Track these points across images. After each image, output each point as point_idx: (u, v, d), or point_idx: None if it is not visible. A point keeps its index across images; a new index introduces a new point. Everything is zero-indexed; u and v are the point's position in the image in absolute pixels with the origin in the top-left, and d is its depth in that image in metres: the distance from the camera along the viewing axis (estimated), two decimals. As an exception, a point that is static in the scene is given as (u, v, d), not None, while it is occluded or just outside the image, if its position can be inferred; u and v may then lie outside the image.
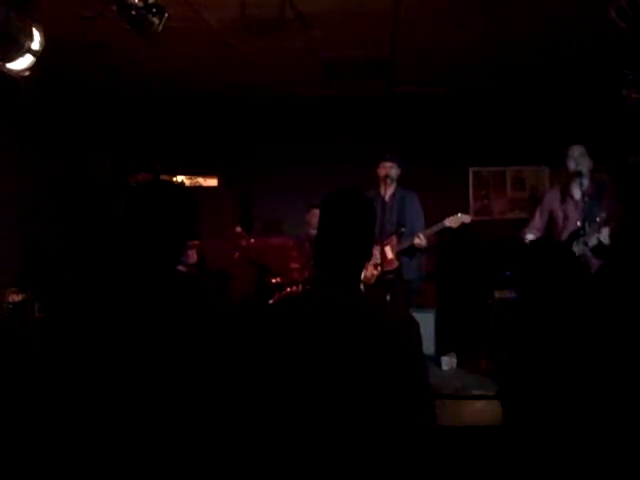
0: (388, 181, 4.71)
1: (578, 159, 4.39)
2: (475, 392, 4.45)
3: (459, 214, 4.64)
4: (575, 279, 1.96)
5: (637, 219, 4.35)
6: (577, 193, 4.46)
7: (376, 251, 4.28)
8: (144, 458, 1.70)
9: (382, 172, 4.73)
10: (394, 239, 4.70)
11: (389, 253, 4.70)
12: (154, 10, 3.25)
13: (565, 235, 4.42)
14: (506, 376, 2.02)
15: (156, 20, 3.27)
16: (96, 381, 1.76)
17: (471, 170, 7.07)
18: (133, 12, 3.19)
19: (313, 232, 5.98)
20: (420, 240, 4.57)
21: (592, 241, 4.21)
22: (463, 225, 4.64)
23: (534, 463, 1.86)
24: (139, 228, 1.85)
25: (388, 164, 4.73)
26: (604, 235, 4.19)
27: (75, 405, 1.81)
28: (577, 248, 4.26)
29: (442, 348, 5.55)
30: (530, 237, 4.69)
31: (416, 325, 1.78)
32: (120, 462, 1.71)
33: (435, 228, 4.65)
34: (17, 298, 4.39)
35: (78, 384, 1.79)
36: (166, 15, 3.31)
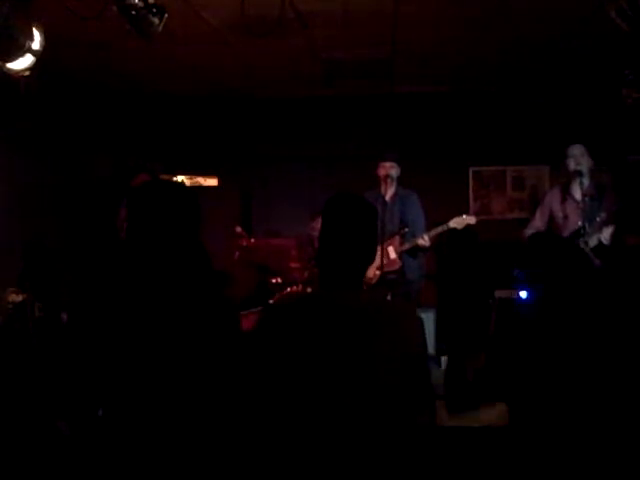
0: (389, 181, 4.70)
1: (578, 158, 4.39)
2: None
3: (464, 216, 4.64)
4: (583, 273, 1.95)
5: (637, 218, 4.35)
6: (577, 193, 4.46)
7: (378, 251, 4.29)
8: (148, 451, 1.71)
9: (382, 172, 4.72)
10: (397, 239, 4.70)
11: (392, 253, 4.70)
12: (154, 10, 3.24)
13: (565, 235, 4.42)
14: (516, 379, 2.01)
15: (156, 20, 3.27)
16: (107, 376, 1.76)
17: (471, 170, 7.07)
18: (133, 12, 3.18)
19: (315, 234, 5.99)
20: (424, 241, 4.57)
21: (593, 241, 4.21)
22: (467, 226, 4.65)
23: (537, 463, 1.87)
24: (143, 229, 1.85)
25: (388, 164, 4.73)
26: (605, 235, 4.20)
27: (82, 400, 1.82)
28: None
29: (442, 348, 5.57)
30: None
31: (420, 322, 1.78)
32: (126, 453, 1.72)
33: (440, 229, 4.65)
34: (17, 298, 4.39)
35: (88, 382, 1.80)
36: (166, 15, 3.31)
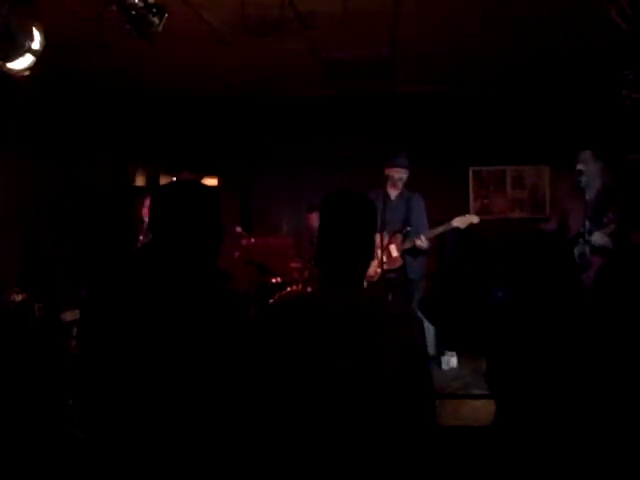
0: (399, 184, 4.73)
1: (580, 164, 4.38)
2: (475, 392, 4.47)
3: (467, 215, 4.65)
4: (563, 274, 1.96)
5: (637, 219, 4.35)
6: (587, 193, 4.46)
7: (379, 249, 4.30)
8: (150, 451, 1.71)
9: (396, 175, 4.72)
10: (399, 238, 4.70)
11: (394, 251, 4.70)
12: (154, 10, 3.24)
13: (571, 235, 4.43)
14: (497, 375, 2.01)
15: (156, 20, 3.27)
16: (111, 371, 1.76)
17: (471, 170, 7.08)
18: (133, 12, 3.19)
19: (314, 232, 5.99)
20: (421, 242, 4.57)
21: (593, 240, 4.23)
22: (470, 225, 4.66)
23: (531, 462, 1.86)
24: (164, 228, 1.84)
25: (403, 170, 4.74)
26: (596, 237, 4.22)
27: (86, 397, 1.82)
28: (580, 247, 4.28)
29: (442, 348, 5.57)
30: None
31: (419, 323, 1.78)
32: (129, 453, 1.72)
33: (442, 228, 4.65)
34: (17, 298, 4.40)
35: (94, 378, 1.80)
36: (166, 15, 3.31)
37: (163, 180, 7.17)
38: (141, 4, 3.18)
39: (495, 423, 1.98)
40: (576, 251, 4.29)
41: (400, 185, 4.76)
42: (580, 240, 4.30)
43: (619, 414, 1.84)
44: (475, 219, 4.66)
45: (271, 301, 5.57)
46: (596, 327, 1.94)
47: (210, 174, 6.98)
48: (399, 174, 4.71)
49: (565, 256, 2.02)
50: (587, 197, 4.47)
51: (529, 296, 1.97)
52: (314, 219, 6.11)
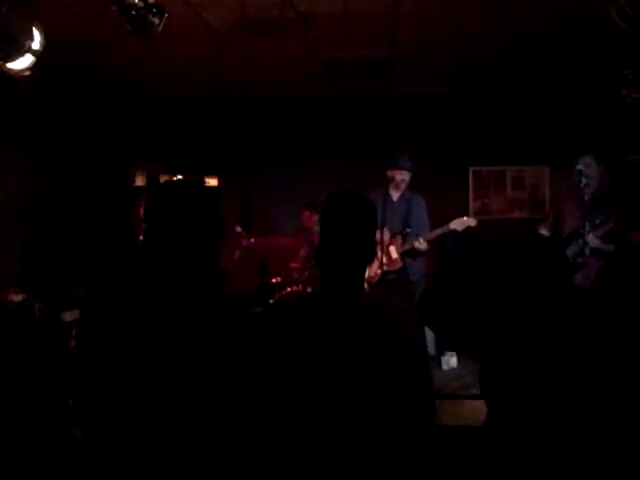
0: (402, 185, 4.71)
1: (582, 169, 4.39)
2: (475, 392, 4.47)
3: (465, 217, 4.64)
4: (556, 276, 1.95)
5: (637, 219, 4.35)
6: (584, 194, 4.46)
7: (379, 250, 4.30)
8: (149, 451, 1.71)
9: (399, 177, 4.69)
10: (399, 239, 4.69)
11: (393, 253, 4.70)
12: (154, 10, 3.24)
13: (566, 234, 4.43)
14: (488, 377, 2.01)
15: (156, 20, 3.27)
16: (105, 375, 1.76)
17: (471, 170, 7.08)
18: (133, 12, 3.19)
19: (315, 231, 5.99)
20: (420, 244, 4.56)
21: (588, 242, 4.24)
22: (467, 228, 4.65)
23: (524, 464, 1.86)
24: (168, 228, 1.83)
25: (406, 172, 4.72)
26: (589, 239, 4.22)
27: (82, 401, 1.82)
28: (574, 247, 4.29)
29: (442, 348, 5.57)
30: (544, 233, 4.71)
31: (418, 323, 1.78)
32: (126, 455, 1.72)
33: (440, 230, 4.64)
34: (17, 298, 4.39)
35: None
36: (166, 15, 3.31)
37: (163, 180, 7.18)
38: (141, 4, 3.18)
39: (486, 425, 1.98)
40: (570, 251, 4.29)
41: (403, 187, 4.74)
42: (579, 240, 4.31)
43: (616, 414, 1.84)
44: (473, 222, 4.65)
45: (271, 301, 5.57)
46: (588, 328, 1.94)
47: (210, 174, 6.98)
48: (402, 176, 4.68)
49: (557, 256, 2.01)
50: (585, 197, 4.48)
51: (520, 297, 1.97)
52: (305, 218, 6.11)
